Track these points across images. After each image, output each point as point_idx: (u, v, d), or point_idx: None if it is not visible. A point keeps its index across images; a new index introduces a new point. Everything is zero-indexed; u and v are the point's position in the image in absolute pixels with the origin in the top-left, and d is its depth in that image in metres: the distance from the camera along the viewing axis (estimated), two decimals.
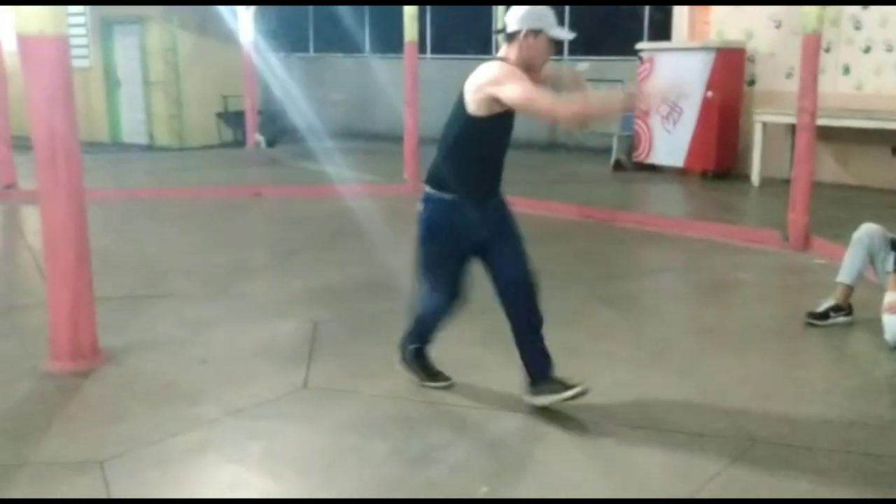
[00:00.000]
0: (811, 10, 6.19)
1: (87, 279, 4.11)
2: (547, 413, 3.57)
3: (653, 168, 10.32)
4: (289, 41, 15.94)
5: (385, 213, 8.43)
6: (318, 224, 7.79)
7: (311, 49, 16.36)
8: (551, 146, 13.31)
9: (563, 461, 3.20)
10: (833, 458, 3.22)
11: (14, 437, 3.42)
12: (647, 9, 12.51)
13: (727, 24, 9.96)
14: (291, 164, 11.47)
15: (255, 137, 13.14)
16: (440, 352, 3.97)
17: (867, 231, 4.68)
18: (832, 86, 8.82)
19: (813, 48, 6.24)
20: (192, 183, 9.84)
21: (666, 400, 3.75)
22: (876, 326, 4.55)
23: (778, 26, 9.53)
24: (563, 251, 6.76)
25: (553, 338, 4.55)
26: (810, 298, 5.14)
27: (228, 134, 14.91)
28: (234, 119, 14.79)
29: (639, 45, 10.43)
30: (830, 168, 9.13)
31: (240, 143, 14.06)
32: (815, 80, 6.32)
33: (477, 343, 4.42)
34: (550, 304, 5.17)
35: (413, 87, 9.25)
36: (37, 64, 3.81)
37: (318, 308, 5.12)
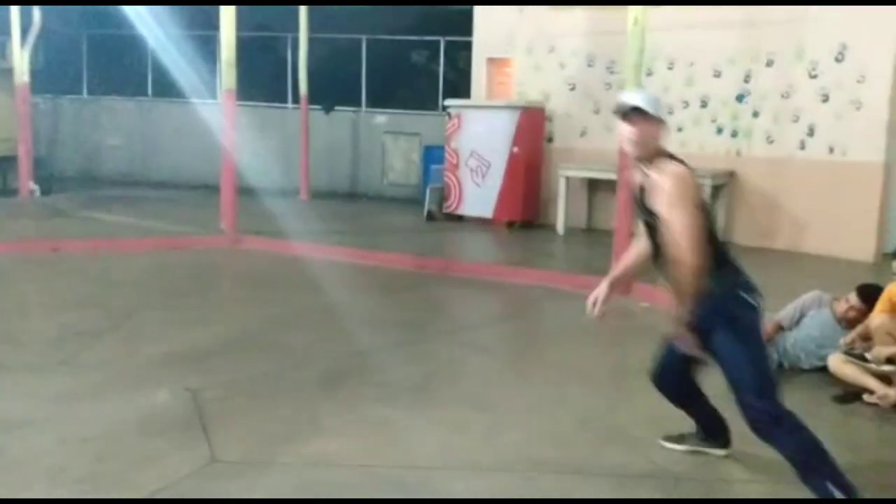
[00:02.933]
0: (629, 78, 6.84)
1: None
2: (486, 472, 3.62)
3: (460, 218, 10.74)
4: (59, 83, 14.77)
5: (210, 266, 8.08)
6: (142, 281, 7.24)
7: (85, 91, 15.24)
8: (352, 195, 13.42)
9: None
10: (749, 487, 3.56)
11: None
12: (441, 67, 13.13)
13: (527, 84, 10.69)
14: (81, 214, 10.54)
15: (30, 185, 11.94)
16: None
17: None
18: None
19: None
20: None
21: (584, 446, 3.91)
22: None
23: (572, 88, 10.39)
24: (413, 301, 6.87)
25: (455, 391, 4.66)
26: (647, 339, 5.58)
27: None
28: None
29: (448, 102, 10.88)
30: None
31: (4, 192, 12.71)
32: None
33: (383, 400, 4.38)
34: (431, 355, 5.32)
35: (230, 135, 8.95)
36: None
37: (184, 373, 4.75)
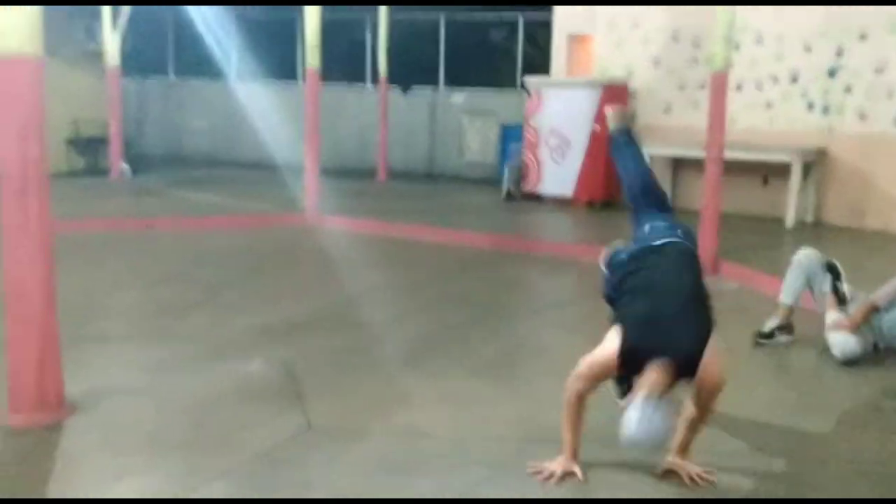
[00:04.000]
0: (718, 51, 6.67)
1: (54, 321, 3.74)
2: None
3: (539, 198, 10.66)
4: (146, 64, 15.22)
5: (294, 244, 8.23)
6: (230, 257, 7.43)
7: (172, 73, 15.67)
8: (429, 176, 13.46)
9: (606, 489, 3.24)
10: (852, 468, 3.48)
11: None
12: (519, 45, 13.01)
13: (608, 60, 10.53)
14: (171, 193, 10.87)
15: (121, 165, 12.37)
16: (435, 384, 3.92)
17: (805, 255, 5.08)
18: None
19: (720, 85, 6.73)
20: (71, 215, 9.10)
21: None
22: (815, 343, 4.95)
23: (656, 65, 10.18)
24: (493, 279, 6.89)
25: (541, 367, 4.67)
26: (739, 319, 5.49)
27: (80, 162, 13.95)
28: (86, 146, 13.87)
29: (527, 79, 10.79)
30: None
31: (95, 171, 13.19)
32: (723, 114, 6.81)
33: (468, 374, 4.44)
34: (514, 332, 5.34)
35: (314, 115, 9.09)
36: (11, 86, 3.46)
37: (276, 346, 4.89)
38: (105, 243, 7.89)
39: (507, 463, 3.42)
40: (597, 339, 5.27)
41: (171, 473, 3.26)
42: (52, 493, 3.11)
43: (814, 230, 8.81)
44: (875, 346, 4.83)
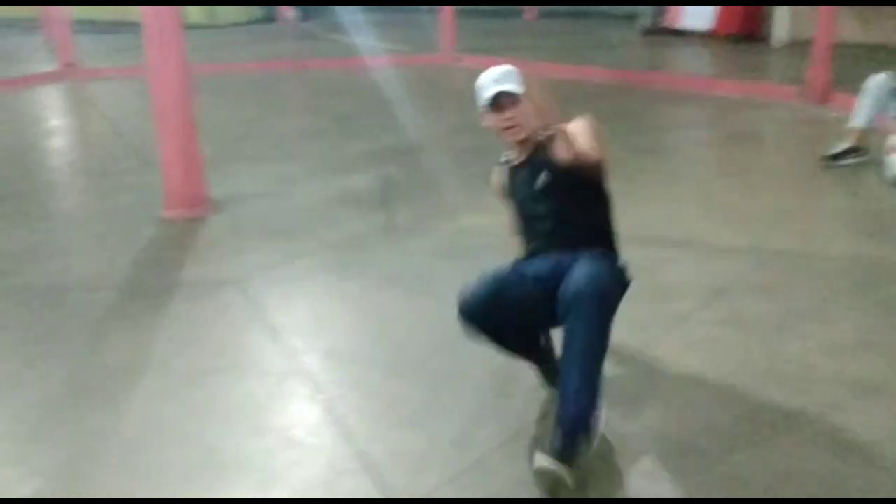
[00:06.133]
0: None
1: (194, 138, 4.75)
2: None
3: (680, 33, 10.62)
4: None
5: (425, 80, 8.98)
6: (365, 92, 8.33)
7: None
8: (578, 14, 13.53)
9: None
10: (838, 264, 3.89)
11: (158, 266, 4.15)
12: None
13: None
14: (329, 37, 11.85)
15: (290, 13, 13.44)
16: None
17: (876, 79, 5.19)
18: None
19: None
20: (243, 58, 10.33)
21: (702, 226, 4.39)
22: (882, 164, 5.14)
23: None
24: (598, 110, 7.24)
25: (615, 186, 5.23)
26: (826, 146, 5.70)
27: (258, 11, 15.17)
28: None
29: None
30: (852, 28, 9.42)
31: (272, 18, 14.36)
32: None
33: None
34: None
35: None
36: None
37: (381, 165, 5.75)
38: (262, 82, 8.99)
39: None
40: (684, 162, 5.72)
41: (274, 252, 4.25)
42: (191, 263, 4.19)
43: None
44: None
